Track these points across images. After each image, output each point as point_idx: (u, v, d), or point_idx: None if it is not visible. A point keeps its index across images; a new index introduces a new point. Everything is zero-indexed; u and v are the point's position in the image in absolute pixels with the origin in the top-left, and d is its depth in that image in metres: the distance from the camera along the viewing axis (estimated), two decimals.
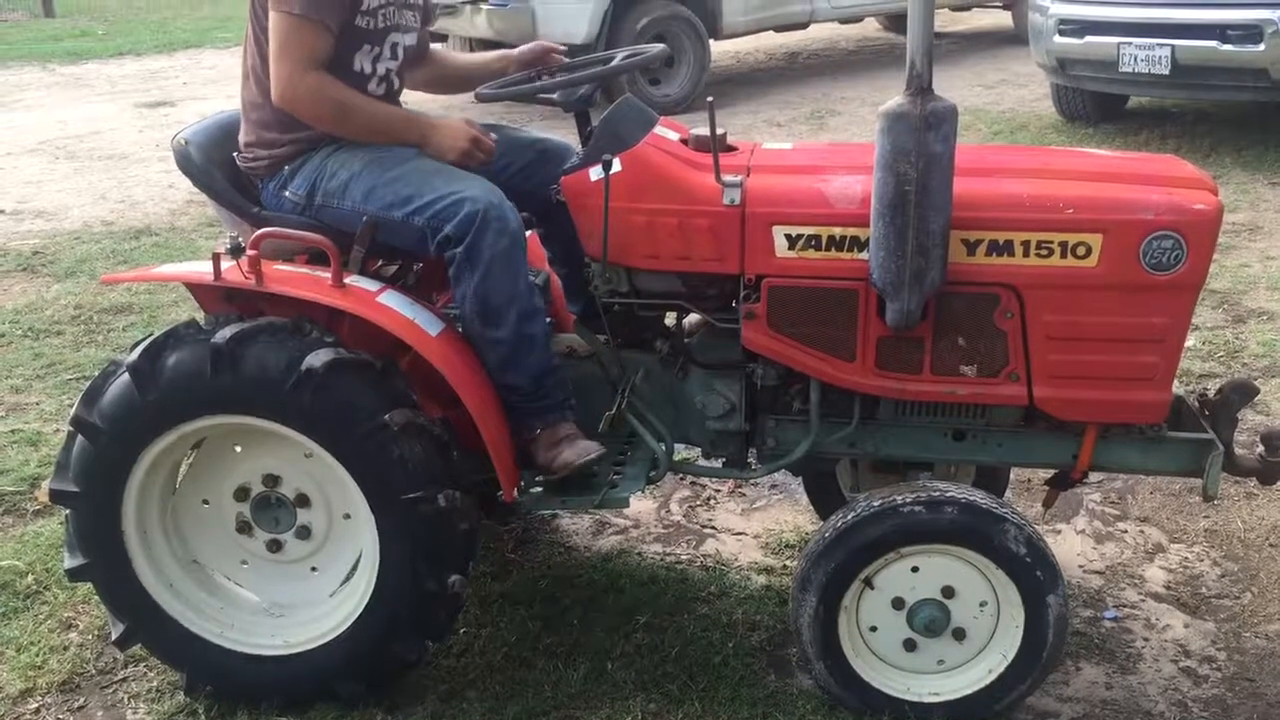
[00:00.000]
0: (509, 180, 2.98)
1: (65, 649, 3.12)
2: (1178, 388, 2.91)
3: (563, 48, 3.19)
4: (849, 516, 2.63)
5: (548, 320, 2.88)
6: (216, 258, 2.67)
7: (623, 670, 2.96)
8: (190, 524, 2.88)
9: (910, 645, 2.70)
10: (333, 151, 2.87)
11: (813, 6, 10.69)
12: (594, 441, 2.81)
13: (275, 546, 2.84)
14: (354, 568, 2.82)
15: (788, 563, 3.45)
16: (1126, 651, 3.05)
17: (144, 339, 2.68)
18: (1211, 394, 2.89)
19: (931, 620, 2.65)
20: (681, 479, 3.92)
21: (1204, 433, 2.77)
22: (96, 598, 3.01)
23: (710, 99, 2.79)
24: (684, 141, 2.84)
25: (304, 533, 2.82)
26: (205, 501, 2.86)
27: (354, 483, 2.64)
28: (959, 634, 2.68)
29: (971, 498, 2.61)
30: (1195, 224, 2.54)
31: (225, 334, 2.58)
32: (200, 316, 2.90)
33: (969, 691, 2.70)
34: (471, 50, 7.57)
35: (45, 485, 3.00)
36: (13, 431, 4.33)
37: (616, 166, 2.68)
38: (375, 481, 2.62)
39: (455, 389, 2.68)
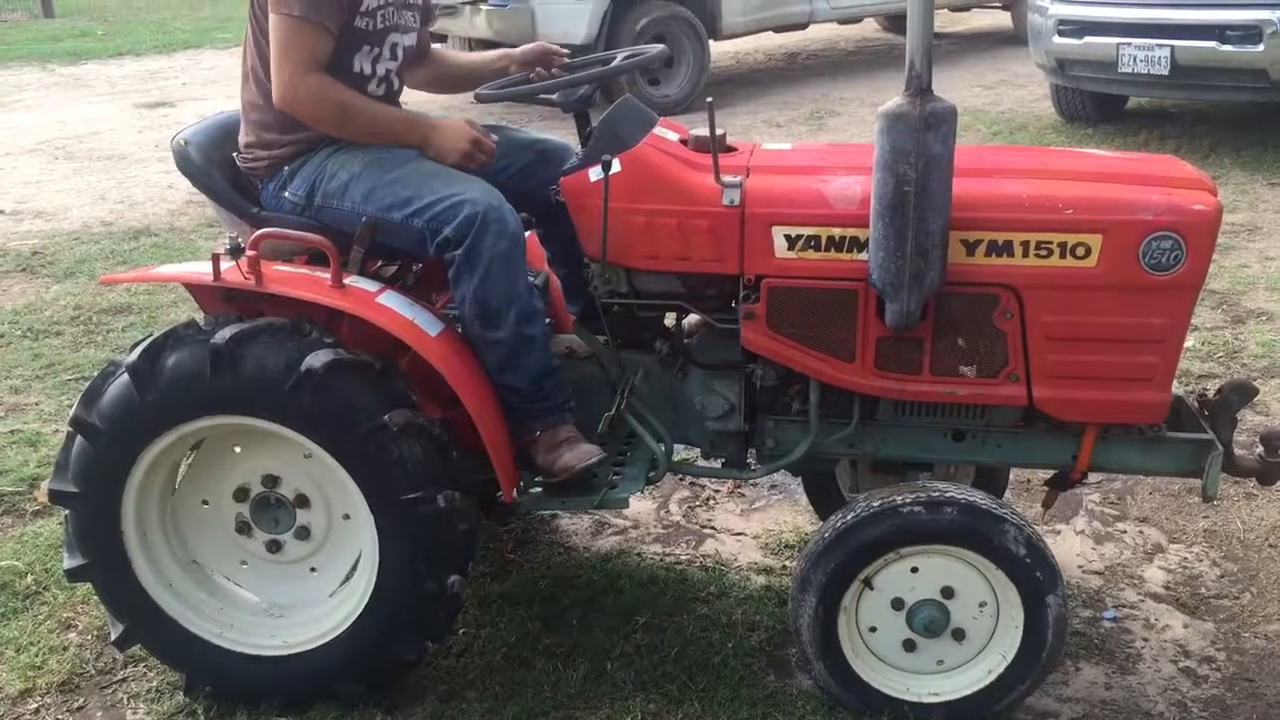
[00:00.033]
0: (508, 181, 2.98)
1: (64, 649, 3.12)
2: (1177, 388, 2.91)
3: (565, 52, 3.19)
4: (848, 517, 2.63)
5: (547, 321, 2.88)
6: (216, 258, 2.67)
7: (622, 670, 2.96)
8: (190, 524, 2.88)
9: (910, 646, 2.70)
10: (333, 152, 2.87)
11: (812, 7, 10.70)
12: (594, 445, 2.81)
13: (275, 547, 2.84)
14: (353, 568, 2.82)
15: (787, 563, 3.45)
16: (1126, 652, 3.05)
17: (143, 339, 2.68)
18: (1211, 394, 2.89)
19: (931, 621, 2.66)
20: (681, 479, 3.92)
21: (1203, 433, 2.78)
22: (96, 598, 3.01)
23: (710, 100, 2.79)
24: (683, 142, 2.84)
25: (303, 533, 2.82)
26: (205, 502, 2.86)
27: (353, 483, 2.64)
28: (958, 634, 2.68)
29: (971, 498, 2.61)
30: (1194, 224, 2.54)
31: (225, 334, 2.58)
32: (200, 317, 2.90)
33: (968, 692, 2.70)
34: (471, 51, 7.57)
35: (44, 485, 3.00)
36: (12, 432, 4.33)
37: (616, 167, 2.68)
38: (375, 482, 2.62)
39: (455, 389, 2.68)
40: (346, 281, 2.71)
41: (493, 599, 3.29)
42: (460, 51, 4.15)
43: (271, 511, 2.81)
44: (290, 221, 2.87)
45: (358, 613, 2.74)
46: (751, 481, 3.84)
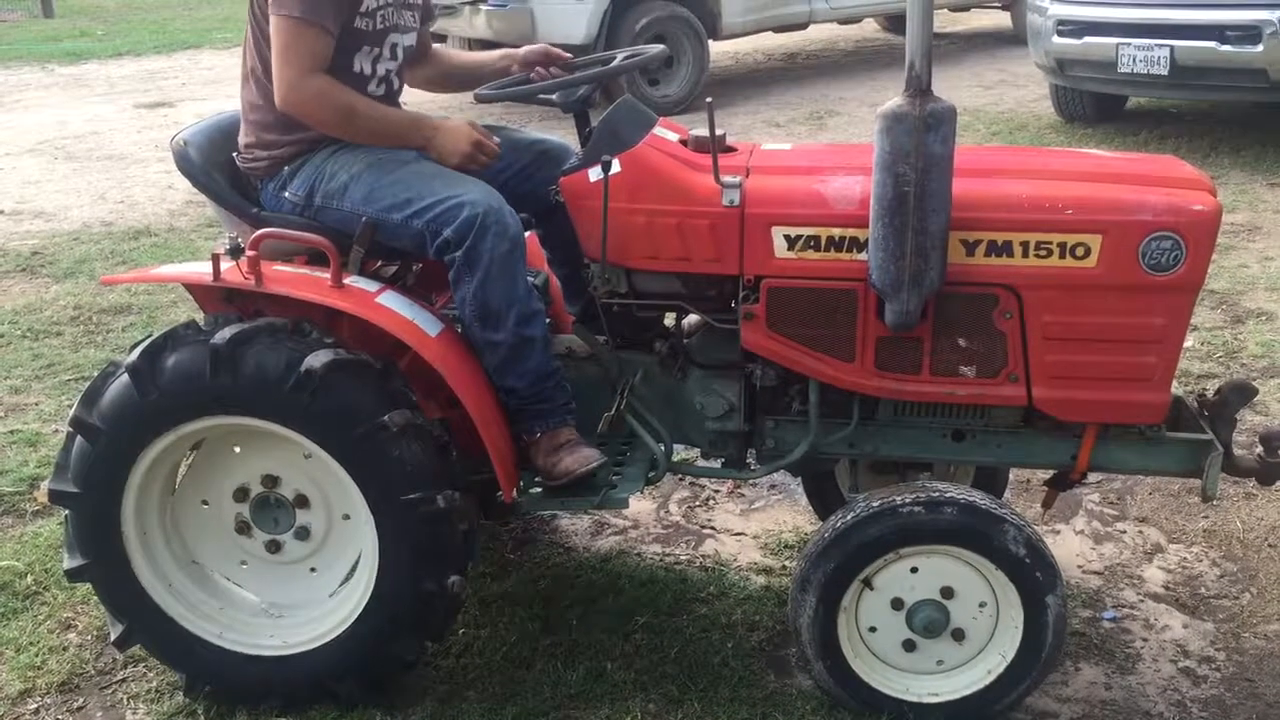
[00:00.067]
0: (508, 181, 2.98)
1: (64, 649, 3.12)
2: (1176, 388, 2.91)
3: (568, 55, 3.18)
4: (848, 517, 2.63)
5: (547, 322, 2.88)
6: (216, 258, 2.67)
7: (622, 671, 2.96)
8: (189, 524, 2.88)
9: (909, 646, 2.70)
10: (333, 153, 2.87)
11: (811, 7, 10.69)
12: (594, 450, 2.80)
13: (274, 547, 2.84)
14: (353, 569, 2.82)
15: (787, 563, 3.45)
16: (1125, 652, 3.05)
17: (143, 340, 2.68)
18: (1210, 394, 2.89)
19: (931, 621, 2.66)
20: (680, 479, 3.92)
21: (1203, 433, 2.77)
22: (95, 598, 3.01)
23: (709, 100, 2.79)
24: (683, 142, 2.84)
25: (303, 533, 2.82)
26: (204, 502, 2.86)
27: (353, 483, 2.64)
28: (958, 635, 2.68)
29: (971, 498, 2.61)
30: (1194, 224, 2.54)
31: (224, 335, 2.58)
32: (199, 317, 2.90)
33: (968, 692, 2.70)
34: (470, 51, 7.56)
35: (44, 486, 3.01)
36: (12, 432, 4.33)
37: (616, 167, 2.68)
38: (374, 482, 2.62)
39: (454, 390, 2.68)
40: (346, 282, 2.71)
41: (493, 599, 3.29)
42: (463, 51, 4.15)
43: (271, 512, 2.81)
44: (290, 222, 2.87)
45: (357, 613, 2.73)
46: (751, 481, 3.84)
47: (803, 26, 11.18)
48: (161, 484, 2.80)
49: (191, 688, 2.86)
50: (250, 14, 2.88)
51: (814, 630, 2.67)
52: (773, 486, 3.90)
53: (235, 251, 2.64)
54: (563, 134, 3.30)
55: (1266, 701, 2.86)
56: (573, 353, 3.04)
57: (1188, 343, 4.47)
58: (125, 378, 2.63)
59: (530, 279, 2.83)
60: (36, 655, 3.08)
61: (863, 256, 2.60)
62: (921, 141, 2.40)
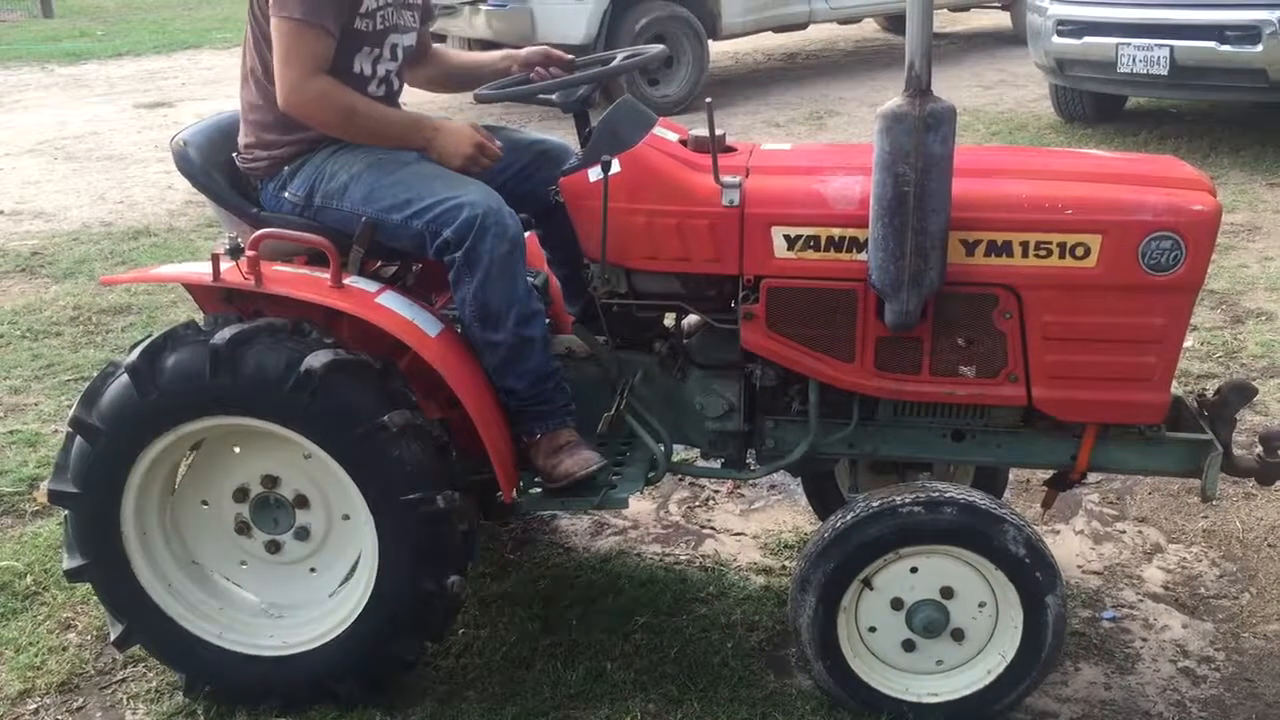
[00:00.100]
0: (508, 181, 2.98)
1: (64, 650, 3.12)
2: (1176, 388, 2.91)
3: (569, 57, 3.18)
4: (848, 517, 2.63)
5: (546, 323, 2.88)
6: (215, 258, 2.67)
7: (621, 671, 2.96)
8: (189, 525, 2.88)
9: (909, 646, 2.70)
10: (333, 153, 2.87)
11: (811, 7, 10.69)
12: (594, 452, 2.80)
13: (274, 547, 2.84)
14: (353, 568, 2.82)
15: (786, 563, 3.45)
16: (1125, 652, 3.05)
17: (143, 340, 2.68)
18: (1210, 394, 2.89)
19: (930, 621, 2.66)
20: (680, 480, 3.92)
21: (1202, 433, 2.78)
22: (95, 598, 3.01)
23: (709, 100, 2.79)
24: (683, 142, 2.84)
25: (303, 533, 2.82)
26: (204, 502, 2.86)
27: (353, 484, 2.64)
28: (958, 635, 2.68)
29: (970, 498, 2.61)
30: (1194, 225, 2.54)
31: (224, 335, 2.58)
32: (199, 317, 2.89)
33: (968, 692, 2.70)
34: (470, 51, 7.57)
35: (44, 486, 3.01)
36: (11, 432, 4.33)
37: (615, 167, 2.68)
38: (374, 483, 2.62)
39: (454, 390, 2.68)
40: (346, 282, 2.71)
41: (492, 599, 3.29)
42: (463, 51, 4.15)
43: (271, 512, 2.81)
44: (290, 222, 2.87)
45: (357, 613, 2.73)
46: (751, 482, 3.84)
47: (802, 26, 11.18)
48: (161, 484, 2.80)
49: (191, 688, 2.86)
50: (250, 15, 2.88)
51: (814, 630, 2.67)
52: (772, 486, 3.90)
53: (235, 251, 2.64)
54: (563, 134, 3.30)
55: (1266, 701, 2.86)
56: (572, 353, 3.04)
57: (1188, 343, 4.47)
58: (125, 378, 2.63)
59: (530, 279, 2.83)
60: (36, 655, 3.08)
61: (862, 256, 2.60)
62: (921, 141, 2.40)
